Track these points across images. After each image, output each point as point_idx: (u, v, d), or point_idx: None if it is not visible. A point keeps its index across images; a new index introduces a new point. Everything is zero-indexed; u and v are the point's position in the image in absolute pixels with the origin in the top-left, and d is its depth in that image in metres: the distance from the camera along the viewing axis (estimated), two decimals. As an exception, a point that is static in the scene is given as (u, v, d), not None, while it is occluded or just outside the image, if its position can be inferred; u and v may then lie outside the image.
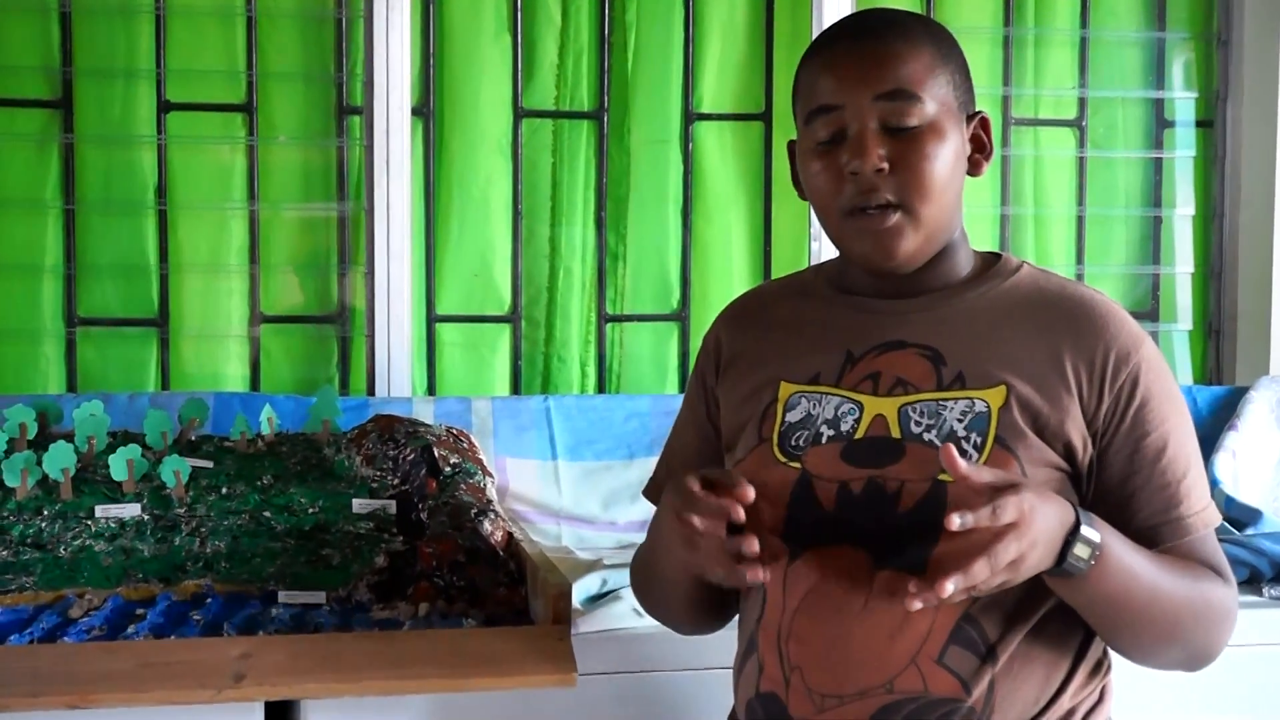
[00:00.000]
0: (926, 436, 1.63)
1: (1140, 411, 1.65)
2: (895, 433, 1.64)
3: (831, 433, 1.67)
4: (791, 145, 1.76)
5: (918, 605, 1.47)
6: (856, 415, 1.66)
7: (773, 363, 1.75)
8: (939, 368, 1.66)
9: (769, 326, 1.79)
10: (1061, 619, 1.65)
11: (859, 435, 1.66)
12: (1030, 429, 1.62)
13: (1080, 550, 1.51)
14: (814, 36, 3.19)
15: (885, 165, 1.62)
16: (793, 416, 1.70)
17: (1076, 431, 1.64)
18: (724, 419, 1.79)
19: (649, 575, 1.82)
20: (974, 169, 1.72)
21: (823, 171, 1.66)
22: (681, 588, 1.76)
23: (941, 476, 1.60)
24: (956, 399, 1.64)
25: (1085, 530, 1.51)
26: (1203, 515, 1.67)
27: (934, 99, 1.64)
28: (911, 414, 1.64)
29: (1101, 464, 1.66)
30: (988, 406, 1.63)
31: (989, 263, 1.75)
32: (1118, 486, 1.66)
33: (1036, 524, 1.47)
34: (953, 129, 1.65)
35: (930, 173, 1.63)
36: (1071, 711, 1.68)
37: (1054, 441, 1.64)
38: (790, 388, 1.72)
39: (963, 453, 1.61)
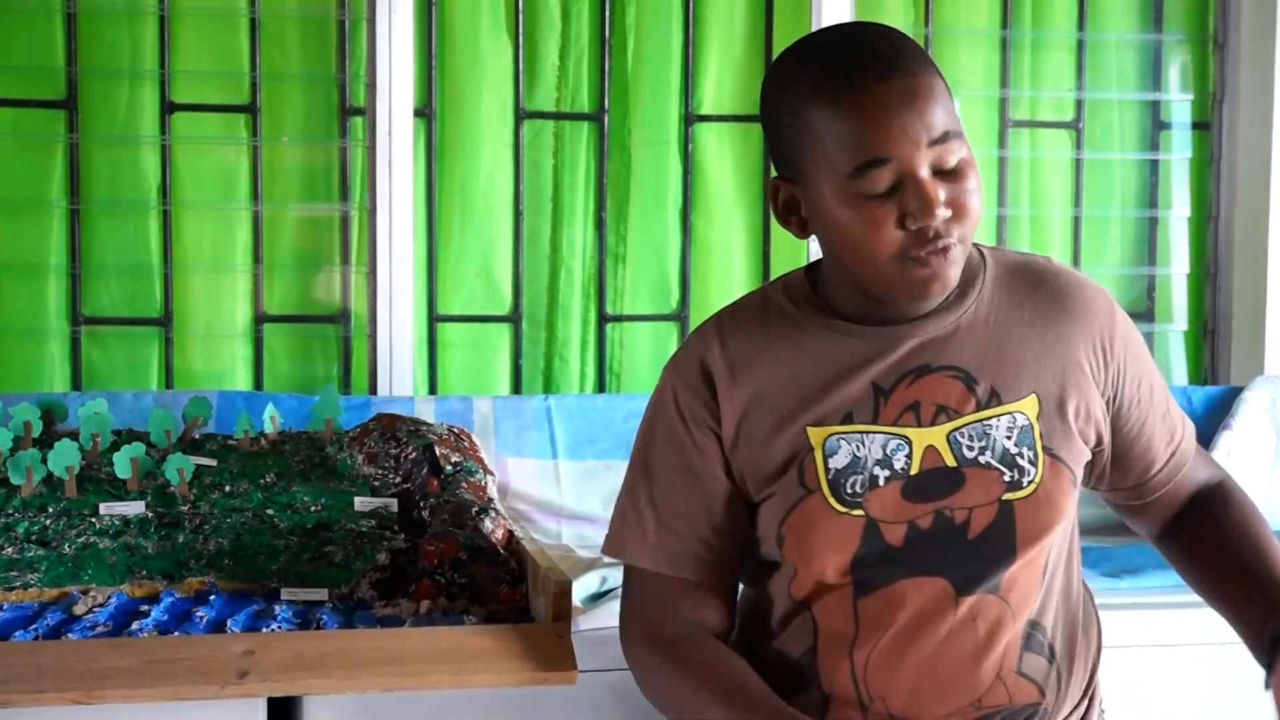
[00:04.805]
0: (982, 459, 1.64)
1: (1133, 364, 1.74)
2: (950, 461, 1.63)
3: (887, 473, 1.63)
4: (778, 184, 1.67)
5: None
6: (907, 450, 1.64)
7: (787, 405, 1.66)
8: (972, 387, 1.65)
9: (771, 365, 1.68)
10: (1085, 608, 1.76)
11: (915, 471, 1.64)
12: (1069, 427, 1.67)
13: None
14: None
15: (949, 212, 1.56)
16: (837, 462, 1.64)
17: (1099, 409, 1.70)
18: (744, 466, 1.69)
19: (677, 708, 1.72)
20: None
21: (871, 223, 1.57)
22: None
23: (1006, 496, 1.63)
24: (999, 416, 1.65)
25: None
26: (1189, 426, 1.84)
27: (960, 126, 1.60)
28: (961, 439, 1.64)
29: (1117, 421, 1.73)
30: (1028, 419, 1.65)
31: None
32: (1136, 435, 1.75)
33: None
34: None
35: (977, 206, 1.59)
36: (1094, 693, 1.77)
37: (1086, 429, 1.69)
38: (822, 431, 1.65)
39: (1019, 470, 1.64)
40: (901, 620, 1.64)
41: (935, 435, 1.64)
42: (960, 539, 1.63)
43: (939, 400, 1.65)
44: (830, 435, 1.64)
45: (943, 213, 1.55)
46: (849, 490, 1.63)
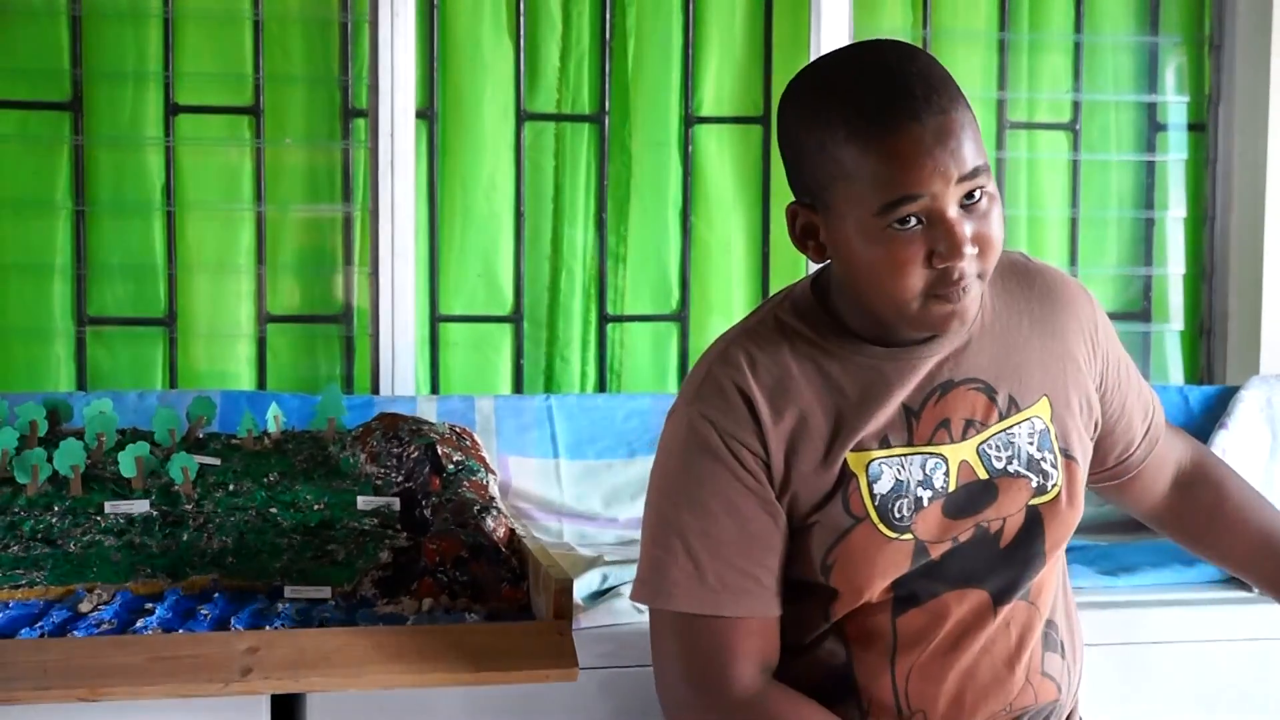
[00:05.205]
0: (1011, 469, 1.66)
1: (1113, 348, 1.78)
2: (981, 474, 1.65)
3: (929, 494, 1.63)
4: (796, 209, 1.64)
5: None
6: (944, 468, 1.64)
7: (827, 433, 1.63)
8: (993, 397, 1.67)
9: (806, 394, 1.64)
10: (1074, 602, 1.80)
11: (953, 488, 1.64)
12: (1077, 424, 1.71)
13: None
14: (812, 48, 3.25)
15: (975, 249, 1.55)
16: (881, 487, 1.62)
17: (1095, 398, 1.74)
18: (791, 496, 1.65)
19: None
20: None
21: (896, 262, 1.54)
22: None
23: (1033, 502, 1.66)
24: (1019, 423, 1.67)
25: None
26: (1157, 397, 1.90)
27: (986, 158, 1.57)
28: (990, 451, 1.65)
29: (1103, 406, 1.77)
30: (1044, 422, 1.68)
31: None
32: (1118, 417, 1.80)
33: None
34: None
35: (1000, 238, 1.58)
36: (1074, 708, 1.80)
37: (1088, 422, 1.73)
38: (863, 457, 1.63)
39: (1044, 475, 1.67)
40: (944, 633, 1.65)
41: (966, 450, 1.65)
42: (994, 549, 1.65)
43: (966, 414, 1.65)
44: (871, 460, 1.63)
45: (969, 251, 1.53)
46: (897, 515, 1.62)
